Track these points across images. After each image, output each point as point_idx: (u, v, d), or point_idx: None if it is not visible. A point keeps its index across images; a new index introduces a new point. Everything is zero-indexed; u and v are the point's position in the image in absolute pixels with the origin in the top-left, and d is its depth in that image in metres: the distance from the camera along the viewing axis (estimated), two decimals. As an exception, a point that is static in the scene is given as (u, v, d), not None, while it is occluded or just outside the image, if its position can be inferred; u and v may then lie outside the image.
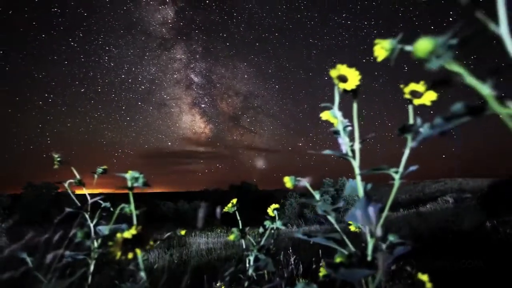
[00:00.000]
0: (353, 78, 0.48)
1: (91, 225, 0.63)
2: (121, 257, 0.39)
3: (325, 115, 0.55)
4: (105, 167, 0.78)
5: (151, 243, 0.43)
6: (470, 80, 0.25)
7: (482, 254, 3.94)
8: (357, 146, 0.53)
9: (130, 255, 0.40)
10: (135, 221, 0.51)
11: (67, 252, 0.59)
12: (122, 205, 0.55)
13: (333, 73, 0.48)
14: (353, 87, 0.48)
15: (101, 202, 0.69)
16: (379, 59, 0.39)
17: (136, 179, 0.51)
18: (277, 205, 0.73)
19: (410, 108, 0.43)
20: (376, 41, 0.39)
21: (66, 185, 0.70)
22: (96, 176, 0.74)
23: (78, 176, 0.72)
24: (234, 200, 0.80)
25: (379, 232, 0.46)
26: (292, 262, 2.42)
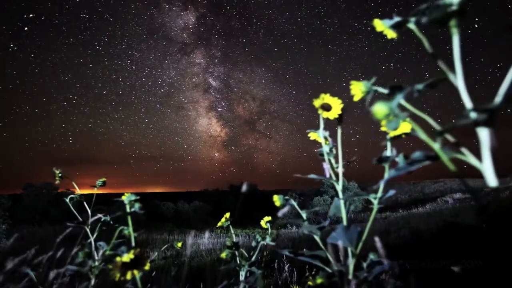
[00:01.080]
0: (336, 106, 0.52)
1: (92, 240, 0.67)
2: (120, 278, 0.43)
3: (312, 135, 0.59)
4: (104, 179, 0.82)
5: (148, 264, 0.46)
6: (422, 135, 0.29)
7: (482, 254, 3.98)
8: (340, 170, 0.57)
9: (128, 276, 0.44)
10: (133, 244, 0.54)
11: (69, 266, 0.63)
12: (121, 227, 0.59)
13: (317, 102, 0.51)
14: (336, 116, 0.52)
15: (101, 216, 0.73)
16: (355, 98, 0.43)
17: (133, 204, 0.54)
18: (269, 218, 0.76)
19: (388, 144, 0.46)
20: (352, 82, 0.42)
21: (67, 200, 0.73)
22: (96, 188, 0.78)
23: (78, 191, 0.75)
24: (227, 214, 0.84)
25: (357, 251, 0.50)
26: (287, 270, 2.46)
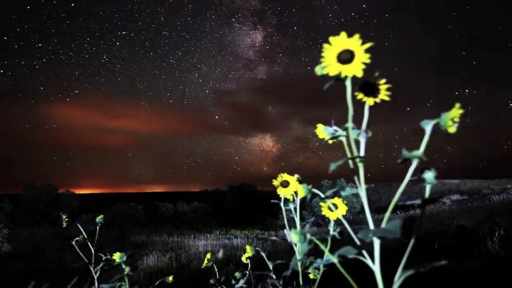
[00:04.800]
0: (293, 183, 0.62)
1: (95, 277, 0.74)
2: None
3: (318, 131, 0.64)
4: (101, 216, 0.90)
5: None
6: (322, 246, 0.36)
7: (477, 256, 4.05)
8: (298, 226, 0.64)
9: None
10: None
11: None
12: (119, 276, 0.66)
13: (276, 182, 0.61)
14: (292, 192, 0.62)
15: (102, 255, 0.80)
16: (320, 137, 0.51)
17: (125, 262, 0.62)
18: (250, 253, 0.82)
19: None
20: (318, 125, 0.51)
21: (73, 242, 0.81)
22: (98, 227, 0.85)
23: (84, 234, 0.83)
24: (208, 255, 0.91)
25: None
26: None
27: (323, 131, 0.54)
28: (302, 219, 0.70)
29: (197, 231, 14.98)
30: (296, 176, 0.69)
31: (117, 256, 0.63)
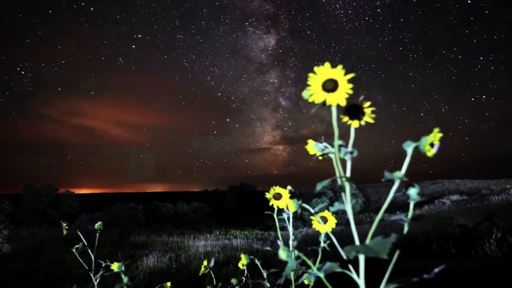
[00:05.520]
0: (285, 196, 0.64)
1: (95, 284, 0.76)
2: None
3: (309, 147, 0.65)
4: (99, 223, 0.92)
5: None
6: (309, 262, 0.38)
7: (475, 258, 4.08)
8: (291, 243, 0.66)
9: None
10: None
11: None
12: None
13: (269, 195, 0.63)
14: (284, 205, 0.65)
15: (102, 262, 0.82)
16: (310, 153, 0.53)
17: (124, 272, 0.64)
18: (245, 262, 0.84)
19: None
20: (308, 141, 0.53)
21: (75, 253, 0.83)
22: (97, 234, 0.88)
23: (84, 242, 0.85)
24: (205, 262, 0.93)
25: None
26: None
27: (313, 147, 0.56)
28: (296, 227, 0.72)
29: (197, 231, 15.00)
30: (289, 188, 0.71)
31: (115, 266, 0.65)
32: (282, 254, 0.40)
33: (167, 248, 9.81)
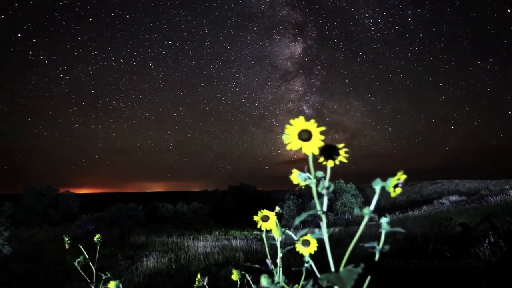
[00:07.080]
0: (272, 219, 0.69)
1: None
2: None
3: (293, 177, 0.71)
4: (98, 236, 0.97)
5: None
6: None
7: (470, 261, 4.13)
8: (279, 260, 0.71)
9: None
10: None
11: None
12: None
13: (257, 217, 0.68)
14: (271, 227, 0.69)
15: (102, 274, 0.87)
16: (294, 182, 0.58)
17: None
18: (236, 278, 0.88)
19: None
20: (293, 170, 0.58)
21: (76, 263, 0.88)
22: (98, 246, 0.93)
23: (85, 255, 0.90)
24: (198, 275, 0.98)
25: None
26: None
27: (297, 177, 0.61)
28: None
29: (197, 231, 15.06)
30: (277, 209, 0.76)
31: (112, 285, 0.70)
32: (263, 281, 0.45)
33: (166, 248, 9.87)
